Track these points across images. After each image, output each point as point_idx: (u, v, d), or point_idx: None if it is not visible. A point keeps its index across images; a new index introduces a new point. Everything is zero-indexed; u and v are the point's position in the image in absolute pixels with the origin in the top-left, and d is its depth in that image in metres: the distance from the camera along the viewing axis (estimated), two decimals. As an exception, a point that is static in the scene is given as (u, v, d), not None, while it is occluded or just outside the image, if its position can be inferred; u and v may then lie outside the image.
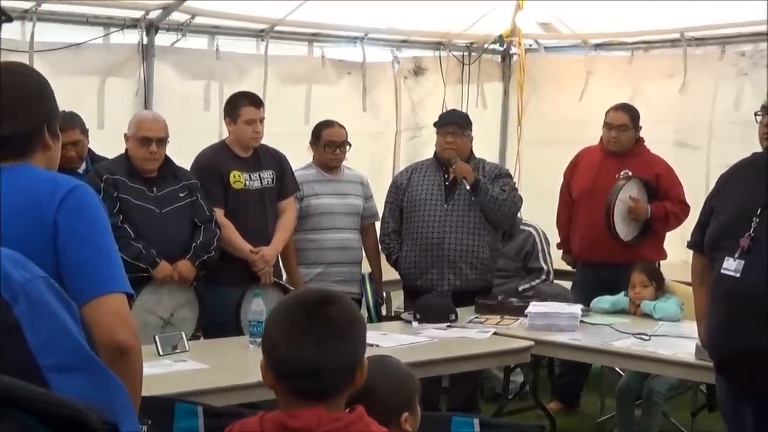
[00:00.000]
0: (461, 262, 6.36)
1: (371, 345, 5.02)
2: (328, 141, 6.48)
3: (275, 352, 2.22)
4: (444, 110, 7.62)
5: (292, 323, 2.23)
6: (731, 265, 4.02)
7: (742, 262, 3.99)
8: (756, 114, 4.16)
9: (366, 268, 6.75)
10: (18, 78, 2.51)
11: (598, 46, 8.91)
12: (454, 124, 6.47)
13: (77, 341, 1.92)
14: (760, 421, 4.06)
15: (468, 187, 6.30)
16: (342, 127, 6.55)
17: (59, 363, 1.85)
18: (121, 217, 5.43)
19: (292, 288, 6.02)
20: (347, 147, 6.55)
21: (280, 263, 6.28)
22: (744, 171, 4.25)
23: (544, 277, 7.24)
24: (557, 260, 7.34)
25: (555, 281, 7.33)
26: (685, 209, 6.67)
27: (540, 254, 7.30)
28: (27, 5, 6.42)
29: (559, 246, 7.24)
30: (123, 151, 5.67)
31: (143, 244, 5.43)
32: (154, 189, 5.61)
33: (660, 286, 6.20)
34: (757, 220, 4.00)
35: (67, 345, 1.89)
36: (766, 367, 3.93)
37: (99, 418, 1.51)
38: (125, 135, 5.64)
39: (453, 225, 6.35)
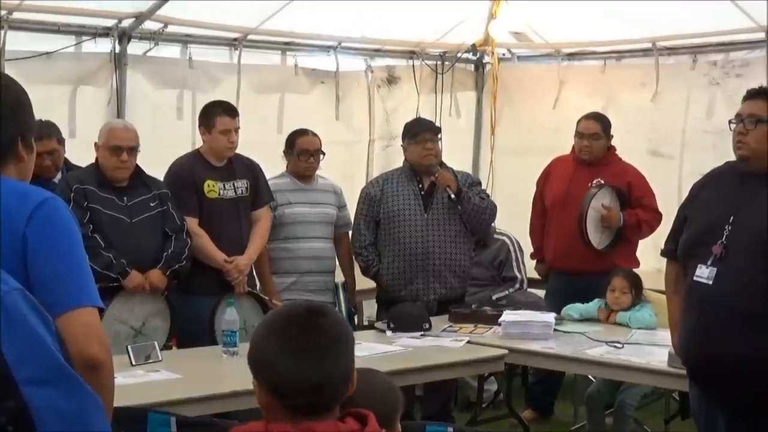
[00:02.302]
0: (446, 271, 6.37)
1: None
2: (301, 149, 6.46)
3: (273, 372, 2.17)
4: (412, 120, 7.57)
5: (286, 340, 2.18)
6: (704, 273, 4.05)
7: (715, 269, 4.02)
8: (730, 122, 4.18)
9: (339, 277, 6.73)
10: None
11: (570, 56, 8.95)
12: (429, 131, 6.47)
13: (52, 354, 1.91)
14: (733, 428, 4.09)
15: (452, 196, 6.29)
16: (315, 135, 6.53)
17: (34, 375, 1.84)
18: (91, 227, 5.39)
19: (267, 297, 6.01)
20: (321, 155, 6.54)
21: (254, 272, 6.26)
22: (717, 179, 4.28)
23: (518, 285, 7.26)
24: (531, 269, 7.36)
25: (529, 290, 7.34)
26: (657, 217, 6.71)
27: (514, 263, 7.31)
28: (-2, 13, 6.39)
29: (532, 256, 7.26)
30: (94, 160, 5.64)
31: (114, 254, 5.40)
32: (125, 198, 5.58)
33: (639, 294, 6.22)
34: (730, 227, 4.03)
35: (42, 358, 1.89)
36: (737, 373, 3.96)
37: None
38: (96, 144, 5.61)
39: (435, 234, 6.35)
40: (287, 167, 6.57)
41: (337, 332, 2.22)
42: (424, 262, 6.34)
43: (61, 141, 5.83)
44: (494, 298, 7.04)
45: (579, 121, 6.93)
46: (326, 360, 2.17)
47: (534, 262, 7.27)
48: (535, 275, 7.34)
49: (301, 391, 2.16)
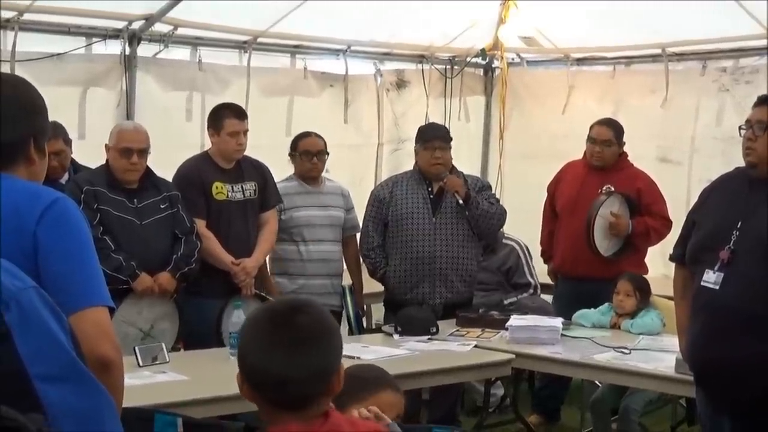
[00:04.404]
0: (452, 275, 6.36)
1: (352, 357, 5.04)
2: (304, 150, 6.47)
3: (245, 362, 2.22)
4: (425, 124, 7.60)
5: (261, 332, 2.22)
6: (711, 278, 4.05)
7: (722, 274, 4.02)
8: (740, 128, 4.17)
9: (347, 280, 6.73)
10: (11, 90, 2.49)
11: (579, 61, 8.94)
12: (439, 139, 6.46)
13: (66, 351, 1.92)
14: (739, 433, 4.08)
15: (460, 201, 6.29)
16: (319, 137, 6.54)
17: (48, 373, 1.85)
18: (101, 228, 5.40)
19: (273, 299, 6.01)
20: (325, 156, 6.54)
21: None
22: (726, 185, 4.28)
23: (531, 291, 7.23)
24: (542, 274, 7.34)
25: (542, 295, 7.32)
26: (666, 225, 6.68)
27: (525, 269, 7.29)
28: (9, 15, 6.40)
29: (543, 257, 7.24)
30: (104, 161, 5.65)
31: (123, 256, 5.40)
32: (135, 200, 5.59)
33: (644, 299, 6.20)
34: (737, 233, 4.02)
35: (56, 355, 1.90)
36: (743, 378, 3.96)
37: (39, 428, 1.52)
38: (106, 146, 5.62)
39: (442, 238, 6.35)
40: (294, 170, 6.59)
41: (313, 330, 2.22)
42: (430, 266, 6.33)
43: (67, 141, 5.83)
44: (506, 302, 7.03)
45: (592, 127, 6.93)
46: (293, 356, 2.17)
47: (545, 266, 7.26)
48: (546, 280, 7.32)
49: (267, 384, 2.19)
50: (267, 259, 6.34)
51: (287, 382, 2.17)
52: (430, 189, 6.43)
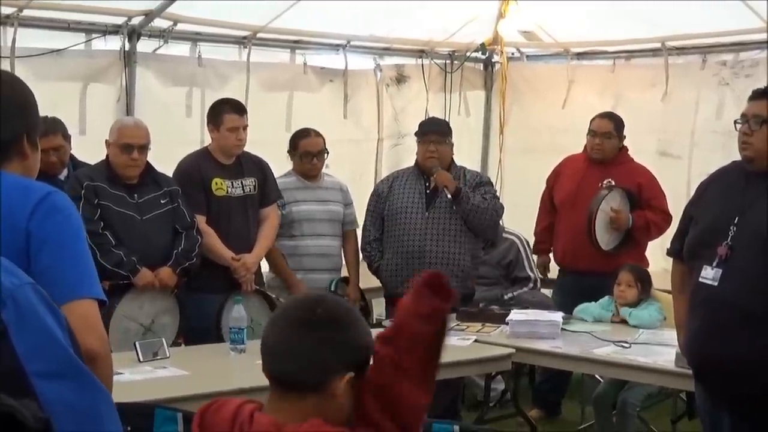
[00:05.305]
0: (442, 270, 6.34)
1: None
2: (304, 151, 6.47)
3: (262, 336, 2.34)
4: (426, 118, 7.61)
5: (281, 311, 2.37)
6: (709, 274, 4.04)
7: (720, 270, 4.01)
8: (735, 122, 4.17)
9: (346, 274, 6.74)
10: (9, 90, 2.49)
11: (579, 55, 8.93)
12: (435, 133, 6.46)
13: (63, 348, 1.92)
14: (737, 428, 4.08)
15: (449, 196, 6.30)
16: (318, 135, 6.53)
17: (45, 369, 1.85)
18: (102, 224, 5.41)
19: (273, 296, 6.01)
20: (325, 155, 6.54)
21: (262, 270, 6.27)
22: (723, 179, 4.27)
23: (531, 285, 7.23)
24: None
25: (542, 290, 7.32)
26: (667, 219, 6.68)
27: (525, 263, 7.29)
28: (8, 11, 6.39)
29: (536, 249, 7.24)
30: (104, 157, 5.65)
31: (124, 251, 5.41)
32: (135, 195, 5.59)
33: (645, 290, 6.20)
34: (735, 228, 4.02)
35: (53, 352, 1.90)
36: (742, 374, 3.96)
37: (34, 414, 1.52)
38: (107, 141, 5.62)
39: (434, 233, 6.35)
40: (293, 166, 6.59)
41: (322, 318, 2.26)
42: (420, 261, 6.32)
43: (66, 137, 5.81)
44: (506, 297, 7.03)
45: (593, 120, 6.94)
46: (293, 333, 2.25)
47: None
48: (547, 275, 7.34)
49: (265, 355, 2.29)
50: (284, 255, 6.37)
51: (279, 355, 2.25)
52: (427, 184, 6.43)
